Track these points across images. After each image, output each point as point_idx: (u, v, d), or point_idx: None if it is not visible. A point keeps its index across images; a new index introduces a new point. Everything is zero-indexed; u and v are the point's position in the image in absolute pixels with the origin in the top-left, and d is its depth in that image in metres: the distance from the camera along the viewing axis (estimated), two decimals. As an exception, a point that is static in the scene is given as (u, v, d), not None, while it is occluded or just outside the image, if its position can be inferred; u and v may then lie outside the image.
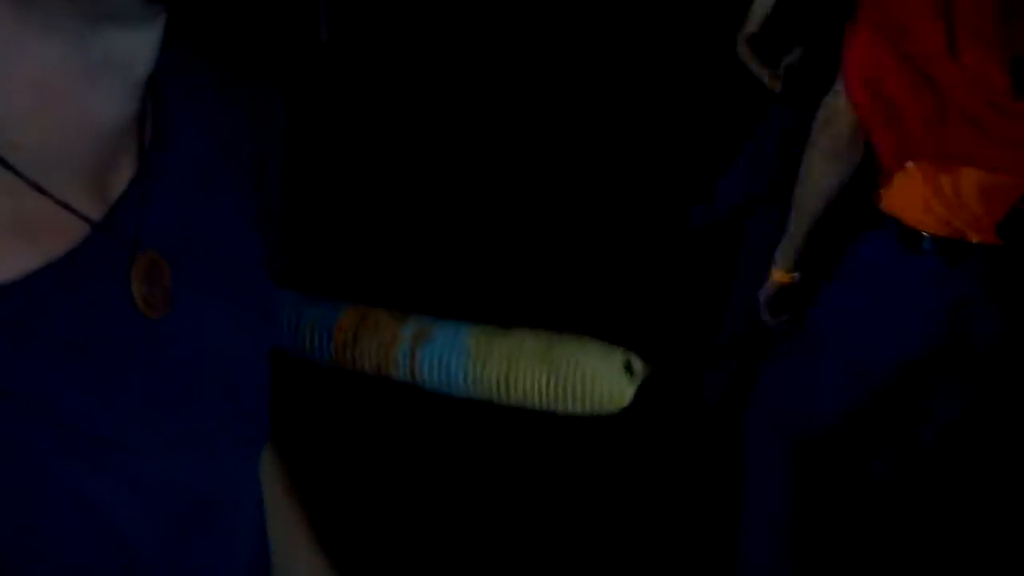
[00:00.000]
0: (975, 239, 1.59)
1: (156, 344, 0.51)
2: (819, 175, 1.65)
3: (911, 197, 1.60)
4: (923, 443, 1.91)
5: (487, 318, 1.20)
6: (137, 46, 0.48)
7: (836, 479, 2.03)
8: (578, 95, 3.48)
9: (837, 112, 1.59)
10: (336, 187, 2.86)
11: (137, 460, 0.50)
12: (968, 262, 1.61)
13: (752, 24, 2.39)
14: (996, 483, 2.12)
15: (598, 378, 1.10)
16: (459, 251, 2.89)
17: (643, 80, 3.50)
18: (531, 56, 3.48)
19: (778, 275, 1.79)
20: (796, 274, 1.78)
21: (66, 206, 0.47)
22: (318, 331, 1.10)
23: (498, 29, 3.45)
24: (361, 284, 1.91)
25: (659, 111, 3.42)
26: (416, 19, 3.36)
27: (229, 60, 0.57)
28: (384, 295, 1.31)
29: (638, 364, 1.10)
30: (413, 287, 2.37)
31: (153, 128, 0.53)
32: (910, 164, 1.59)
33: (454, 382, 1.14)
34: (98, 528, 0.49)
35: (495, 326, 1.17)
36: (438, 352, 1.13)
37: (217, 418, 0.56)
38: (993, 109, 1.48)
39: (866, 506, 2.04)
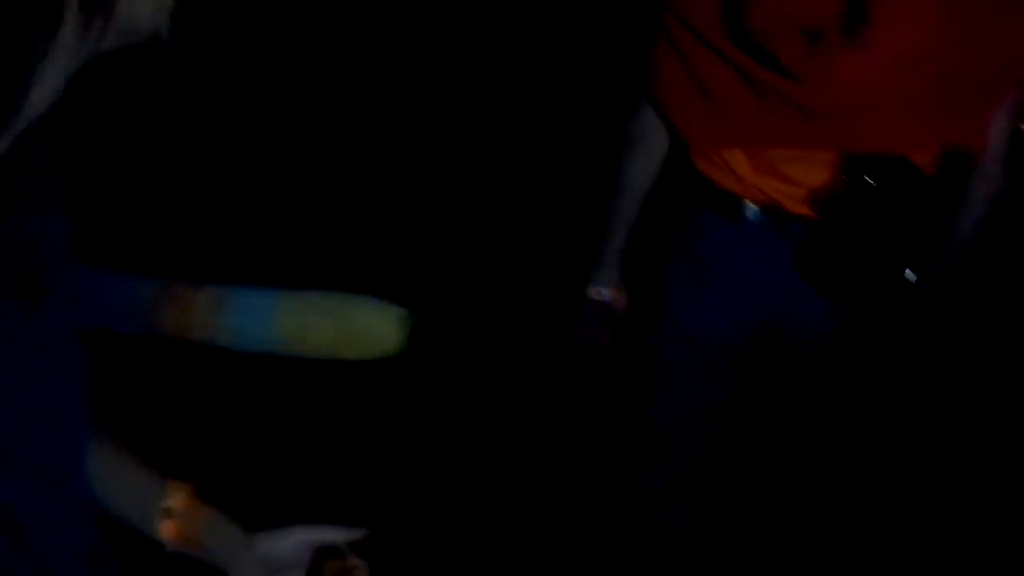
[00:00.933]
0: (793, 211, 1.51)
1: (36, 342, 0.56)
2: (632, 176, 1.61)
3: (725, 170, 1.54)
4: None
5: (278, 283, 1.37)
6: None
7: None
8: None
9: (641, 108, 1.56)
10: (128, 160, 2.84)
11: (42, 459, 0.57)
12: (788, 234, 1.52)
13: None
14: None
15: (375, 328, 1.31)
16: (246, 220, 2.94)
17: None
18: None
19: (599, 295, 1.70)
20: (614, 289, 1.70)
21: None
22: (122, 306, 1.26)
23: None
24: (155, 257, 1.88)
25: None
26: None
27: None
28: (179, 267, 1.39)
29: (408, 315, 1.32)
30: (207, 257, 2.47)
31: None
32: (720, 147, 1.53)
33: (252, 341, 1.33)
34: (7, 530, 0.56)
35: (286, 288, 1.36)
36: (236, 316, 1.31)
37: (74, 405, 0.62)
38: (791, 82, 1.39)
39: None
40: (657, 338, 1.69)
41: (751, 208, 1.51)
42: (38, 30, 0.43)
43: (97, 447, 0.75)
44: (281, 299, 1.35)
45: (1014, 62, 1.37)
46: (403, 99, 3.37)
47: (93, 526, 0.69)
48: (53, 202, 0.59)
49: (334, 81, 3.40)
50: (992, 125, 1.42)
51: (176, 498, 0.85)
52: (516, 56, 3.39)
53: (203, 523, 0.85)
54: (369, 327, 1.31)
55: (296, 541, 0.86)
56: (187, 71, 2.95)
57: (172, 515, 0.84)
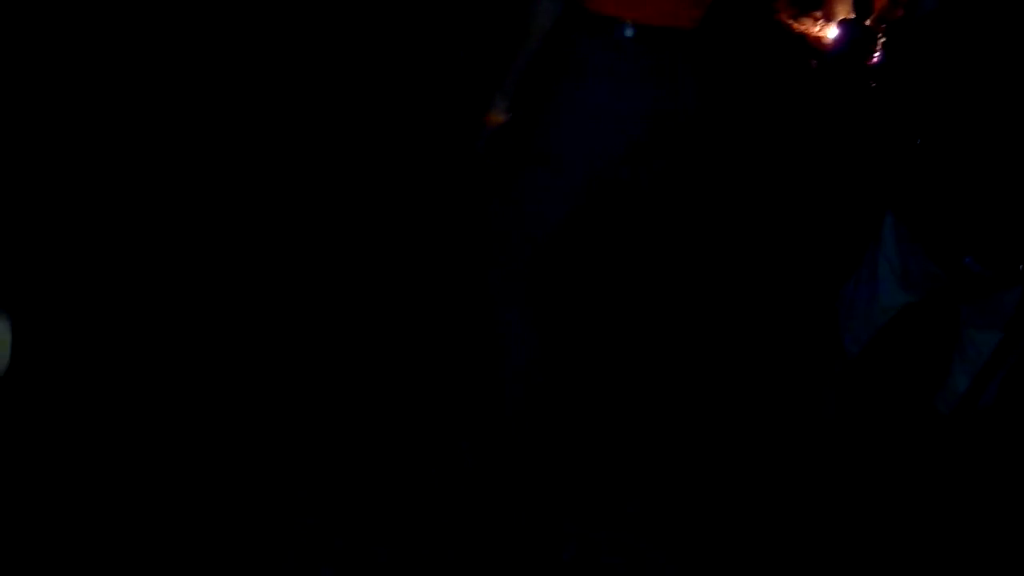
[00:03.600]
0: (683, 24, 1.84)
1: None
2: (542, 13, 1.85)
3: None
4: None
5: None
6: None
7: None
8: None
9: None
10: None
11: None
12: (671, 48, 1.86)
13: None
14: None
15: None
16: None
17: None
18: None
19: (494, 118, 1.94)
20: (509, 114, 1.94)
21: None
22: None
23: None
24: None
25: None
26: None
27: None
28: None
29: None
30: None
31: None
32: None
33: None
34: None
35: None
36: None
37: None
38: None
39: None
40: (530, 152, 1.95)
41: (626, 21, 1.81)
42: None
43: None
44: None
45: None
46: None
47: None
48: None
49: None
50: None
51: None
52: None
53: None
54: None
55: None
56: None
57: None
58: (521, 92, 1.94)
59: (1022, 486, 2.41)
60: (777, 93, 3.78)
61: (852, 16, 3.74)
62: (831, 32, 3.83)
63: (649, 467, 2.30)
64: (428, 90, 3.46)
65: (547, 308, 2.10)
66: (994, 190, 1.95)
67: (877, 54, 3.66)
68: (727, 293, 2.94)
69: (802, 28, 3.93)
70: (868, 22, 3.74)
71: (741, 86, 3.76)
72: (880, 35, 3.67)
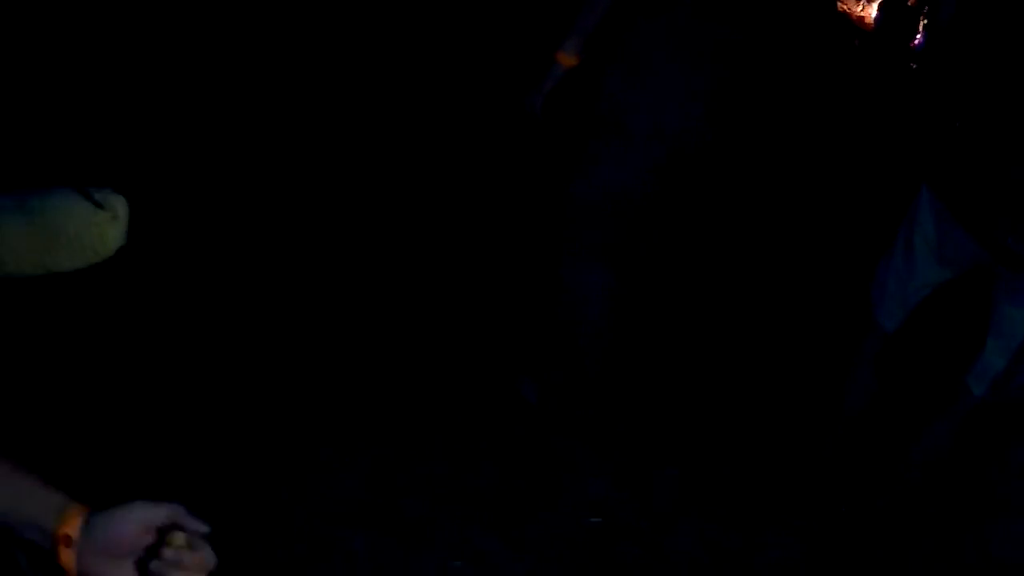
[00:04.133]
0: None
1: None
2: None
3: None
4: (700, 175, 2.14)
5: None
6: None
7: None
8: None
9: None
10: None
11: None
12: (734, 22, 1.86)
13: None
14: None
15: (73, 220, 1.12)
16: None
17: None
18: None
19: (565, 59, 1.94)
20: (580, 59, 1.94)
21: None
22: None
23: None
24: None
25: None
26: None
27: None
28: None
29: (117, 201, 1.11)
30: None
31: None
32: None
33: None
34: None
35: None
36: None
37: None
38: None
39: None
40: (600, 121, 1.96)
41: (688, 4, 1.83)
42: None
43: None
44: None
45: None
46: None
47: None
48: None
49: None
50: None
51: (73, 525, 0.80)
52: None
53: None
54: (67, 220, 1.12)
55: (135, 520, 0.81)
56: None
57: (72, 544, 0.79)
58: (589, 53, 1.96)
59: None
60: (820, 71, 3.80)
61: (895, -3, 3.76)
62: (874, 12, 3.85)
63: (683, 439, 2.34)
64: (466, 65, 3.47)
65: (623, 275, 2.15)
66: None
67: (919, 35, 3.69)
68: (763, 270, 2.96)
69: (845, 8, 3.96)
70: (910, 3, 3.76)
71: (785, 65, 3.77)
72: (922, 17, 3.69)
